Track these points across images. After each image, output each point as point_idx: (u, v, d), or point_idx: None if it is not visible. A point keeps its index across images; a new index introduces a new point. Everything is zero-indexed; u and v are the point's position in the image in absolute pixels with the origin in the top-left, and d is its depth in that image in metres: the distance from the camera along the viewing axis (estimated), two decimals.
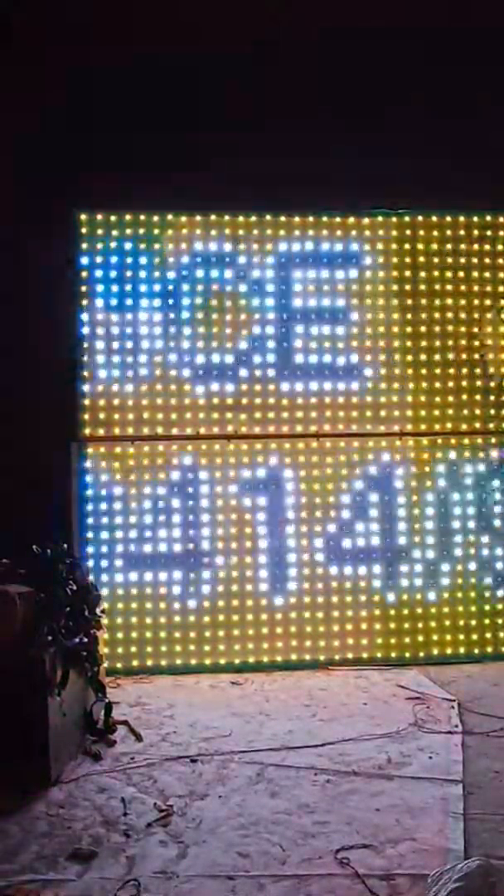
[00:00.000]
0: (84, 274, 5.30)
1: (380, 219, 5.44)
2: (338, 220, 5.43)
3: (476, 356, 5.47)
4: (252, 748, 4.05)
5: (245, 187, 5.27)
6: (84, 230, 5.32)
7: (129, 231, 5.33)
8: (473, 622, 5.38)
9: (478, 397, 5.46)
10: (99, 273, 5.31)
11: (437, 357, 5.45)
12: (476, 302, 5.48)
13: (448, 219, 5.48)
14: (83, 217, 5.31)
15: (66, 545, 4.52)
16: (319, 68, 5.42)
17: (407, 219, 5.46)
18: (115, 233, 5.33)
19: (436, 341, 5.45)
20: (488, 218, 5.51)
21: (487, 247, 5.50)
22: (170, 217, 5.34)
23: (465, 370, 5.46)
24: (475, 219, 5.50)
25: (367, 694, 4.81)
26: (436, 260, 5.47)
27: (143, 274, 5.32)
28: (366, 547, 5.35)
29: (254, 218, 5.38)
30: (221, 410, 5.34)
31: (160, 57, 5.33)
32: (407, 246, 5.45)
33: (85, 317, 5.29)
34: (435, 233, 5.47)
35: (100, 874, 3.01)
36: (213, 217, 5.36)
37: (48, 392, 5.22)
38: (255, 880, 2.95)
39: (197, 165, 5.25)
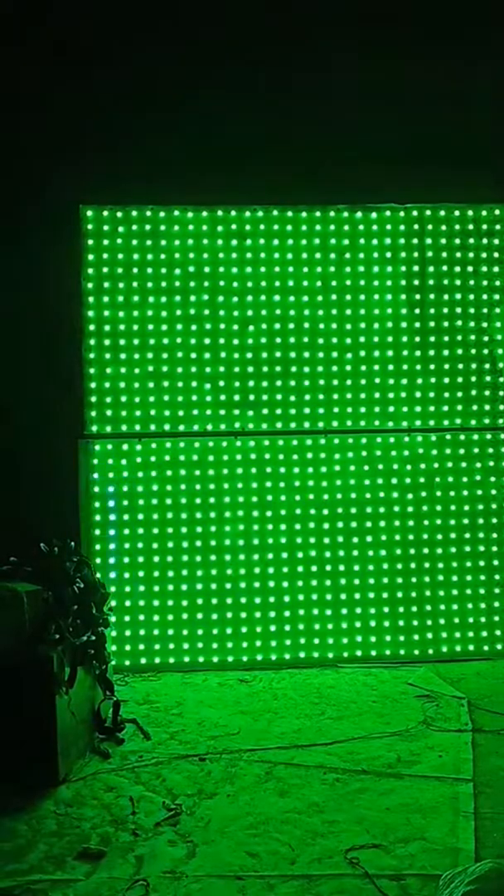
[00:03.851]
0: (90, 270, 5.28)
1: (388, 213, 5.41)
2: (345, 215, 5.39)
3: (485, 351, 5.44)
4: (260, 747, 4.04)
5: (252, 183, 5.24)
6: (90, 226, 5.29)
7: (135, 227, 5.31)
8: (483, 619, 5.35)
9: (487, 392, 5.43)
10: (105, 269, 5.29)
11: (445, 352, 5.42)
12: (484, 297, 5.45)
13: (456, 213, 5.44)
14: (89, 213, 5.29)
15: (73, 543, 4.51)
16: (322, 66, 5.37)
17: (415, 213, 5.42)
18: (121, 229, 5.30)
19: (444, 336, 5.42)
20: (496, 212, 5.46)
21: (496, 241, 5.46)
22: (176, 213, 5.32)
23: (473, 365, 5.43)
24: (483, 213, 5.46)
25: (375, 692, 4.79)
26: (444, 254, 5.43)
27: (149, 270, 5.30)
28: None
29: (261, 213, 5.35)
30: (228, 407, 5.32)
31: (165, 56, 5.32)
32: (415, 241, 5.42)
33: (91, 313, 5.27)
34: (443, 227, 5.44)
35: (108, 874, 3.01)
36: (219, 213, 5.33)
37: (55, 390, 5.21)
38: (264, 880, 2.94)
39: (204, 162, 5.23)
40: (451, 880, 2.55)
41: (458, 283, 5.42)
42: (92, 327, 5.27)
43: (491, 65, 5.43)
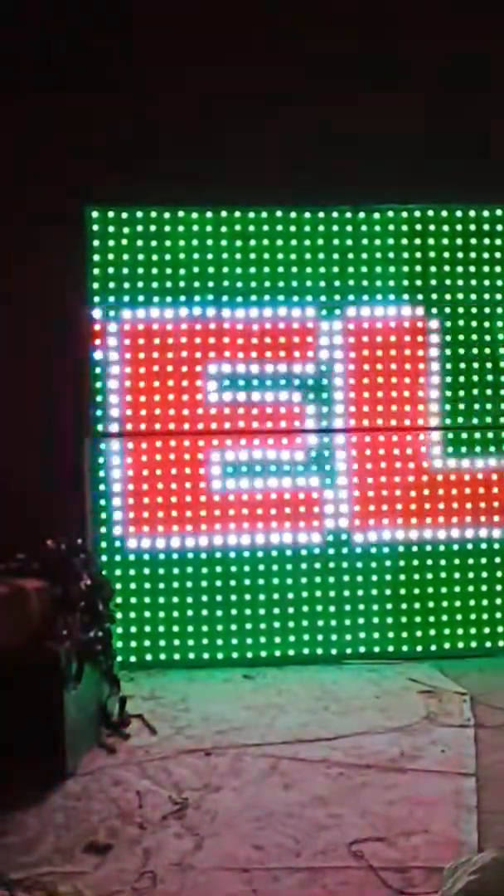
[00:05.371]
0: (96, 271, 5.31)
1: (390, 214, 5.44)
2: (348, 216, 5.42)
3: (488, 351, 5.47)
4: (265, 741, 4.08)
5: (255, 184, 5.27)
6: (96, 227, 5.33)
7: (140, 228, 5.34)
8: (486, 616, 5.39)
9: (489, 392, 5.47)
10: (111, 270, 5.32)
11: (447, 352, 5.45)
12: (486, 296, 5.48)
13: (458, 213, 5.47)
14: (95, 214, 5.32)
15: (80, 540, 4.55)
16: (325, 64, 5.40)
17: (417, 214, 5.45)
18: (126, 229, 5.34)
19: (446, 336, 5.45)
20: (498, 212, 5.49)
21: (498, 241, 5.49)
22: (181, 214, 5.35)
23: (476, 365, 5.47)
24: (485, 213, 5.49)
25: (378, 688, 4.84)
26: (445, 255, 5.47)
27: (154, 270, 5.34)
28: None
29: (264, 214, 5.38)
30: (233, 406, 5.36)
31: (169, 57, 5.36)
32: (417, 241, 5.46)
33: (98, 313, 5.31)
34: (445, 227, 5.47)
35: (116, 866, 3.04)
36: (223, 214, 5.37)
37: (62, 389, 5.25)
38: (269, 872, 2.98)
39: (208, 163, 5.26)
40: (455, 870, 2.59)
41: (460, 283, 5.46)
42: (98, 327, 5.31)
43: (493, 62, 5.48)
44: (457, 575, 5.39)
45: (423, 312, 5.42)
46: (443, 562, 5.39)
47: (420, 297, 5.43)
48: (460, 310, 5.44)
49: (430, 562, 5.39)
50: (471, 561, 5.40)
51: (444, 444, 5.42)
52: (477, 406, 5.45)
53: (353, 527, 5.36)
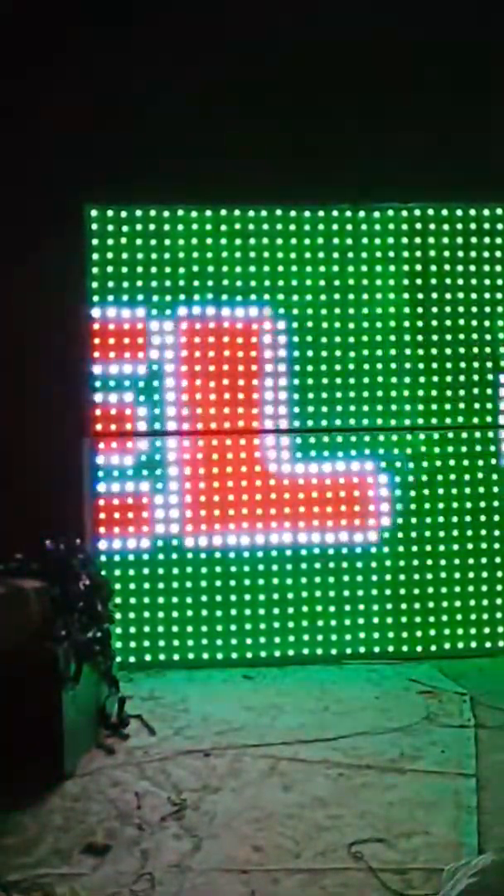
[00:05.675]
0: (95, 270, 5.30)
1: (390, 213, 5.43)
2: (348, 214, 5.41)
3: (488, 349, 5.46)
4: (265, 742, 4.06)
5: (255, 183, 5.26)
6: (94, 226, 5.32)
7: (139, 226, 5.34)
8: (486, 616, 5.38)
9: (489, 391, 5.46)
10: (110, 269, 5.31)
11: (448, 351, 5.44)
12: (487, 295, 5.47)
13: (459, 213, 5.46)
14: (94, 213, 5.32)
15: (79, 540, 4.54)
16: (326, 64, 5.39)
17: (417, 213, 5.44)
18: (125, 228, 5.33)
19: (447, 335, 5.44)
20: (498, 211, 5.49)
21: (498, 240, 5.48)
22: (180, 212, 5.34)
23: (476, 364, 5.45)
24: (485, 212, 5.48)
25: (378, 688, 4.82)
26: (447, 254, 5.46)
27: (153, 269, 5.33)
28: None
29: (264, 213, 5.37)
30: (230, 406, 5.35)
31: (167, 56, 5.35)
32: (418, 240, 5.45)
33: (96, 312, 5.30)
34: (445, 227, 5.46)
35: (114, 868, 3.03)
36: (223, 212, 5.36)
37: (60, 389, 5.23)
38: (269, 874, 2.96)
39: (208, 161, 5.24)
40: (455, 873, 2.58)
41: (460, 282, 5.45)
42: (97, 326, 5.30)
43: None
44: (457, 575, 5.39)
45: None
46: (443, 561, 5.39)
47: (420, 295, 5.43)
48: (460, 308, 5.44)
49: (430, 561, 5.39)
50: (471, 561, 5.40)
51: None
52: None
53: (353, 527, 5.37)
